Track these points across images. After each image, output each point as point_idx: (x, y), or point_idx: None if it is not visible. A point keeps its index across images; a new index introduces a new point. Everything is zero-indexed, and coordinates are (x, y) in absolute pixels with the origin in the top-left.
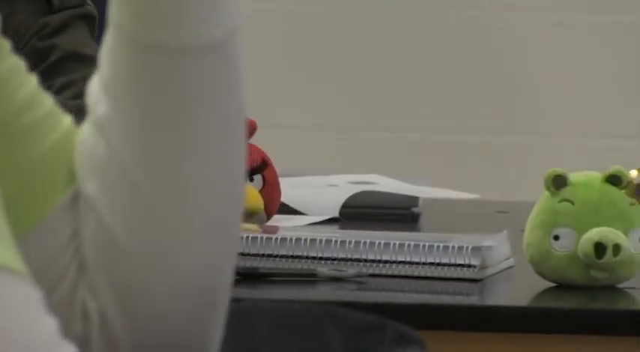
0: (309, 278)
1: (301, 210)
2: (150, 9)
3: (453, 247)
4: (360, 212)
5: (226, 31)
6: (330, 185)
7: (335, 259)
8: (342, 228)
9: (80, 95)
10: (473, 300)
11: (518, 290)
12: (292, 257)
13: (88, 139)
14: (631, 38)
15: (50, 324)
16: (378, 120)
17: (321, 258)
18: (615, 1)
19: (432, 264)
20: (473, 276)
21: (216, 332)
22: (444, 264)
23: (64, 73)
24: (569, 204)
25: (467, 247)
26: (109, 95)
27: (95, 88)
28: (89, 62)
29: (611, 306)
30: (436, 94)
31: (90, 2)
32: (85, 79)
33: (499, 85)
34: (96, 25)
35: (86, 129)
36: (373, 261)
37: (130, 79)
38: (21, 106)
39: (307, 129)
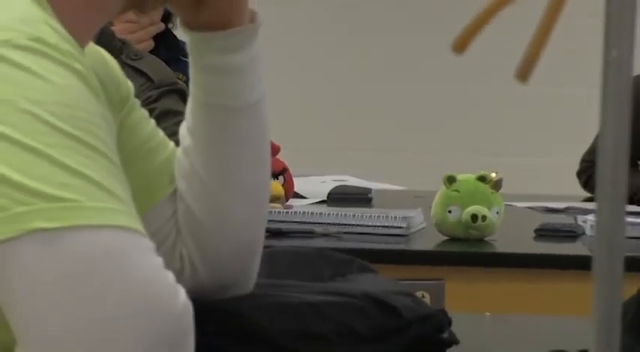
0: (309, 234)
1: (305, 195)
2: (215, 89)
3: (391, 216)
4: (339, 197)
5: (260, 95)
6: (322, 181)
7: (324, 223)
8: (328, 205)
9: (175, 133)
10: (402, 246)
11: (428, 241)
12: (299, 222)
13: (180, 158)
14: None
15: (159, 260)
16: (354, 143)
17: (315, 223)
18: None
19: (379, 226)
20: (402, 233)
21: (256, 268)
22: (386, 226)
23: (163, 121)
24: (456, 192)
25: (399, 216)
26: (191, 134)
27: (184, 129)
28: (179, 114)
29: (480, 250)
30: (388, 119)
31: (181, 80)
32: (177, 124)
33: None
34: (186, 95)
35: (179, 153)
36: (345, 224)
37: (202, 125)
38: (146, 137)
39: (313, 149)
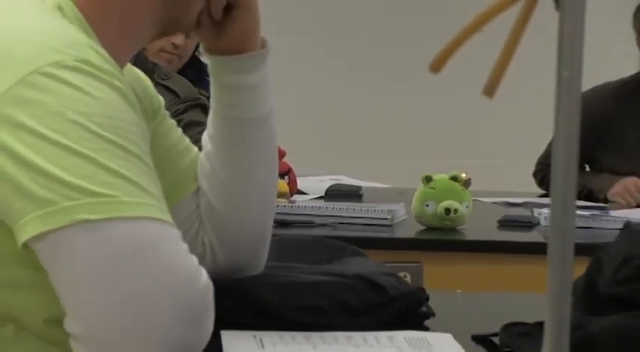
0: (309, 224)
1: (306, 192)
2: (232, 103)
3: (378, 210)
4: (334, 193)
5: (270, 108)
6: (320, 180)
7: (322, 215)
8: (325, 201)
9: (198, 140)
10: (387, 235)
11: (409, 230)
12: (301, 214)
13: (202, 161)
14: None
15: (185, 246)
16: (348, 148)
17: (315, 215)
18: None
19: (368, 217)
20: (387, 223)
21: (265, 252)
22: (374, 217)
23: (188, 130)
24: (433, 189)
25: (384, 209)
26: (212, 141)
27: (205, 137)
28: (202, 124)
29: (453, 237)
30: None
31: (204, 95)
32: (200, 133)
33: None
34: (207, 109)
35: (201, 156)
36: (340, 216)
37: (221, 134)
38: (174, 143)
39: (313, 153)
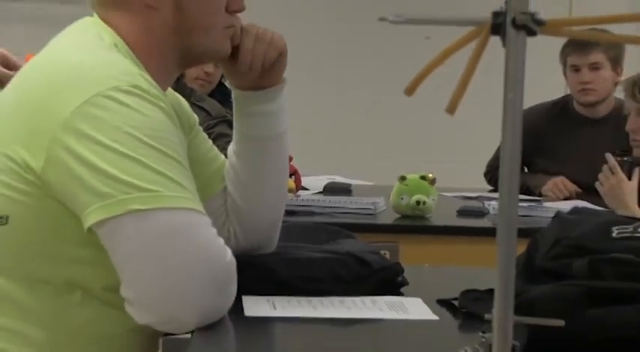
0: (311, 213)
1: (308, 188)
2: (253, 126)
3: (364, 202)
4: (330, 189)
5: (284, 128)
6: (319, 179)
7: (320, 206)
8: (323, 195)
9: (225, 148)
10: (371, 221)
11: (387, 217)
12: (304, 205)
13: (228, 168)
14: None
15: (214, 231)
16: (341, 153)
17: (315, 206)
18: None
19: (356, 208)
20: (371, 212)
21: (277, 236)
22: (361, 208)
23: (217, 141)
24: (406, 186)
25: (369, 202)
26: (236, 155)
27: (231, 150)
28: (228, 136)
29: (422, 223)
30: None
31: (229, 113)
32: (227, 143)
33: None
34: (232, 124)
35: (227, 164)
36: (334, 207)
37: (244, 149)
38: (206, 151)
39: (313, 157)
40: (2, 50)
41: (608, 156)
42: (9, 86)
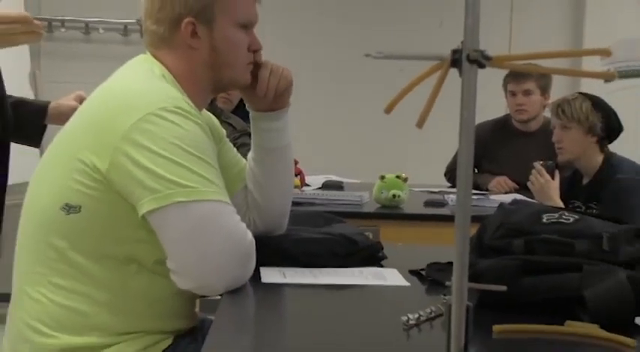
0: (312, 205)
1: (310, 184)
2: (265, 139)
3: (353, 195)
4: (327, 186)
5: (288, 140)
6: (318, 178)
7: (319, 198)
8: (322, 190)
9: (245, 155)
10: (358, 210)
11: (371, 207)
12: (307, 198)
13: (248, 171)
14: None
15: (238, 217)
16: (336, 157)
17: (315, 198)
18: None
19: (347, 199)
20: (358, 203)
21: (286, 222)
22: (350, 200)
23: (240, 149)
24: (385, 183)
25: (357, 195)
26: (254, 161)
27: (250, 157)
28: (248, 145)
29: (397, 212)
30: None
31: (249, 127)
32: (248, 151)
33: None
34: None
35: (247, 168)
36: (330, 199)
37: (260, 156)
38: (231, 157)
39: (314, 160)
40: (80, 92)
41: (536, 164)
42: (82, 107)
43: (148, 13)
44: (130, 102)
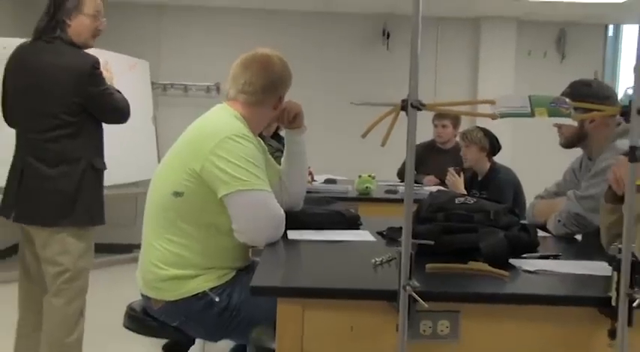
0: (317, 193)
1: (316, 180)
2: (293, 148)
3: (342, 187)
4: (326, 181)
5: (305, 148)
6: (321, 176)
7: (322, 189)
8: (324, 184)
9: (279, 163)
10: (345, 195)
11: (353, 193)
12: (315, 192)
13: (282, 170)
14: None
15: (276, 201)
16: (332, 159)
17: (319, 189)
18: None
19: (339, 189)
20: (345, 193)
21: (302, 202)
22: (340, 191)
23: (276, 159)
24: (361, 179)
25: (344, 187)
26: (285, 160)
27: (282, 159)
28: (281, 158)
29: (368, 197)
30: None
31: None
32: (280, 158)
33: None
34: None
35: (281, 168)
36: (329, 190)
37: (289, 158)
38: (272, 164)
39: (316, 162)
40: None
41: (450, 169)
42: (186, 133)
43: (248, 83)
44: (214, 131)
